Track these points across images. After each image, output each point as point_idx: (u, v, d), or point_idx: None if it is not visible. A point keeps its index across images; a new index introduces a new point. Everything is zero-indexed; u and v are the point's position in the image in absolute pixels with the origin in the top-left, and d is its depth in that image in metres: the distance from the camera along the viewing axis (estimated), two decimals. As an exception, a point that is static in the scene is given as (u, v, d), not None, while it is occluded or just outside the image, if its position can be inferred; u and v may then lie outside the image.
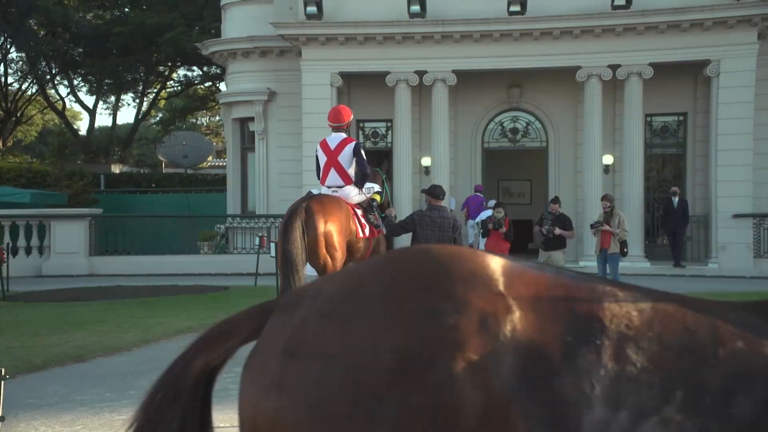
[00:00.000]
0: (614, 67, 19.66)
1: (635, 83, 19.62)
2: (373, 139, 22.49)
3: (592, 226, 13.41)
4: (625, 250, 13.12)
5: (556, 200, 13.63)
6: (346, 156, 7.99)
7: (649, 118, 21.00)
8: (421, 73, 20.43)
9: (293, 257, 6.96)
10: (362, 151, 8.13)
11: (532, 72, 20.78)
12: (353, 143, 8.12)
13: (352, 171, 8.02)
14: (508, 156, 23.71)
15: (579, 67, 19.81)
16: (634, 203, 19.66)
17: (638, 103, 19.67)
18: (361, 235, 7.77)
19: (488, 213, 21.00)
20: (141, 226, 21.70)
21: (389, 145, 21.89)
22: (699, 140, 20.65)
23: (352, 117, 8.45)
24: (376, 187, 8.40)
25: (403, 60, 20.39)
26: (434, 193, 8.92)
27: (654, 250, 20.39)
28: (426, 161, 21.40)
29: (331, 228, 7.29)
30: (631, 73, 19.58)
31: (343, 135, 8.17)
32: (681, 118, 21.15)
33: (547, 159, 21.75)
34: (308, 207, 7.24)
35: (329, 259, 7.29)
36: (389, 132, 22.19)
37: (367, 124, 22.50)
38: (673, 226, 19.23)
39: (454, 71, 20.27)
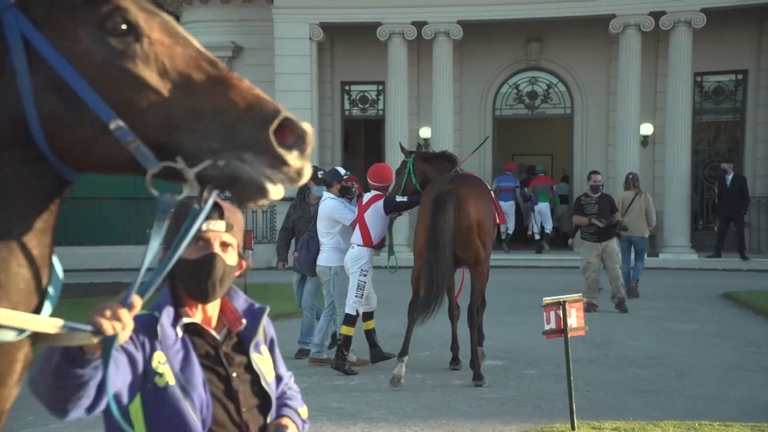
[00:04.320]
0: (657, 15, 19.49)
1: (683, 35, 19.43)
2: (361, 106, 22.40)
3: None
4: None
5: (596, 172, 13.58)
6: (375, 210, 8.83)
7: (699, 78, 20.95)
8: (419, 25, 20.31)
9: (444, 241, 7.69)
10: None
11: (554, 22, 20.65)
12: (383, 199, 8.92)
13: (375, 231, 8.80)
14: (525, 126, 23.78)
15: (613, 16, 19.70)
16: (679, 182, 19.59)
17: (686, 59, 19.51)
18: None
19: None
20: (74, 209, 21.16)
21: (380, 112, 21.75)
22: (762, 104, 20.54)
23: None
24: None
25: (398, 8, 20.29)
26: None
27: (702, 239, 20.33)
28: (425, 132, 21.27)
29: (482, 214, 8.10)
30: (678, 22, 19.38)
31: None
32: (740, 77, 21.08)
33: (573, 129, 21.71)
34: (457, 191, 8.01)
35: (482, 249, 8.09)
36: (381, 97, 22.10)
37: (353, 88, 22.37)
38: (726, 211, 18.77)
39: (459, 22, 20.21)
